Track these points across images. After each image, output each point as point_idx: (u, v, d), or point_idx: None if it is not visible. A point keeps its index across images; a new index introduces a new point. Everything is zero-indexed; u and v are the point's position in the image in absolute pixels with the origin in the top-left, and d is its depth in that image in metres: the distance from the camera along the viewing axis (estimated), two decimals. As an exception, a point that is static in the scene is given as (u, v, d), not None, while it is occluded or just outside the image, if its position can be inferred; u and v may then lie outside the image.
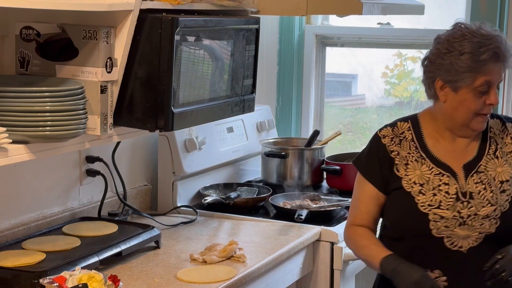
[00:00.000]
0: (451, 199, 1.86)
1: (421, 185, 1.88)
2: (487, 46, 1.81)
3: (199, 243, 2.25)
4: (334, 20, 3.23)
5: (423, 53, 3.07)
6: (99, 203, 2.37)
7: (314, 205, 2.58)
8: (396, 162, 1.92)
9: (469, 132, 1.90)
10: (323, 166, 2.88)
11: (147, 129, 1.94)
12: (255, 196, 2.70)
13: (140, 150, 2.60)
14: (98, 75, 1.82)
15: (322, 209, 2.54)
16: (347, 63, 3.37)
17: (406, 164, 1.92)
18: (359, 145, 3.28)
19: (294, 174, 2.85)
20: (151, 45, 1.89)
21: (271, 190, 2.72)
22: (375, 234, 1.98)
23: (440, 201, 1.86)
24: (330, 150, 3.12)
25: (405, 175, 1.91)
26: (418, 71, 3.17)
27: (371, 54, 3.25)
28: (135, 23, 1.85)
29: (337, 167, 2.81)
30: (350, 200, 2.54)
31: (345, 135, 3.31)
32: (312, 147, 2.91)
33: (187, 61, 2.03)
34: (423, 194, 1.87)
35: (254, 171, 3.00)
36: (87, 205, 2.36)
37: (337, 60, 3.35)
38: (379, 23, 3.14)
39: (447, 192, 1.87)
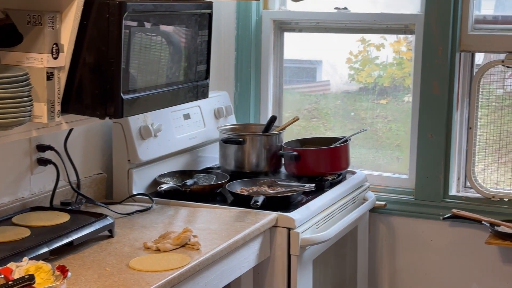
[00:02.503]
0: None
1: None
2: None
3: (154, 231, 2.22)
4: (292, 5, 3.21)
5: (386, 39, 3.12)
6: (51, 192, 2.33)
7: (271, 191, 2.57)
8: None
9: None
10: (280, 151, 2.87)
11: (97, 116, 1.91)
12: (212, 183, 2.68)
13: (94, 138, 2.56)
14: (44, 61, 1.78)
15: (279, 195, 2.53)
16: (312, 50, 3.36)
17: None
18: (323, 131, 3.29)
19: (252, 160, 2.84)
20: (99, 31, 1.85)
21: (229, 176, 2.70)
22: None
23: None
24: (292, 136, 3.13)
25: None
26: (381, 57, 3.17)
27: (336, 41, 3.26)
28: (81, 7, 1.81)
29: (295, 153, 2.80)
30: (307, 185, 2.59)
31: (309, 121, 3.30)
32: (270, 133, 2.90)
33: (140, 47, 2.00)
34: None
35: (212, 158, 2.98)
36: (39, 194, 2.31)
37: (302, 46, 3.34)
38: (336, 8, 3.13)
39: None
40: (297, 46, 3.32)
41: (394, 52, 3.15)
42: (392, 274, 3.10)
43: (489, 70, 2.90)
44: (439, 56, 2.88)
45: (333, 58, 3.33)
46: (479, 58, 2.98)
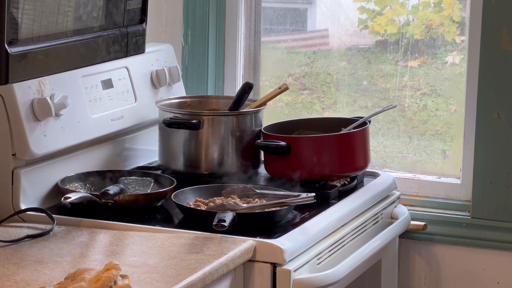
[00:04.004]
0: None
1: None
2: None
3: (56, 269, 2.20)
4: None
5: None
6: None
7: (245, 204, 2.57)
8: None
9: None
10: (259, 141, 2.88)
11: (-36, 81, 1.90)
12: (148, 191, 2.69)
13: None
14: None
15: (257, 211, 2.53)
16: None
17: None
18: (319, 109, 3.30)
19: (212, 155, 2.86)
20: None
21: (176, 181, 2.70)
22: None
23: None
24: (271, 117, 3.14)
25: None
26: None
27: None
28: None
29: (282, 143, 2.81)
30: (303, 195, 2.58)
31: (297, 94, 3.34)
32: (242, 110, 2.91)
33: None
34: None
35: (148, 151, 3.01)
36: None
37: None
38: None
39: None
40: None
41: (430, -15, 3.20)
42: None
43: None
44: (512, -11, 2.91)
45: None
46: None
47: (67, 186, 2.64)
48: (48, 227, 2.45)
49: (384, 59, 3.22)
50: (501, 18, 2.93)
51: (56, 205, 2.58)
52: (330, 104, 3.32)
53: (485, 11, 2.95)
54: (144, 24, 2.33)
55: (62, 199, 2.50)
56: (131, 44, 2.30)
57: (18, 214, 2.53)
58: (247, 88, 2.92)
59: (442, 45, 3.18)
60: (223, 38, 3.25)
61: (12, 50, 1.91)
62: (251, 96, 2.99)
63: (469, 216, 3.04)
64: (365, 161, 2.89)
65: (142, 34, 2.33)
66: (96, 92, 2.78)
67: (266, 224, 2.50)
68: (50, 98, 2.58)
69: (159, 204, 2.63)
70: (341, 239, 2.63)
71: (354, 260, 2.60)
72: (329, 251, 2.57)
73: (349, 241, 2.67)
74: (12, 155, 2.53)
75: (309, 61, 3.38)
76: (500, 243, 3.00)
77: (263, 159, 2.93)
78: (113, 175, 2.75)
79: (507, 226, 2.98)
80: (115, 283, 2.07)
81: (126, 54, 2.31)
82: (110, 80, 2.84)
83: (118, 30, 2.25)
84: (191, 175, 2.83)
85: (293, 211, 2.59)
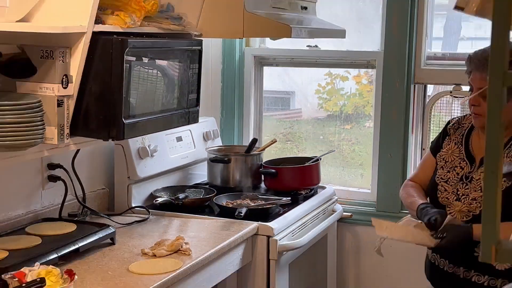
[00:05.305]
0: (456, 179, 2.08)
1: (446, 161, 2.14)
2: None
3: (150, 239, 2.20)
4: (270, 43, 3.23)
5: (350, 73, 3.15)
6: (60, 205, 2.29)
7: (253, 204, 2.56)
8: (446, 137, 2.19)
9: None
10: (261, 169, 2.86)
11: (101, 138, 1.90)
12: (201, 196, 2.66)
13: (98, 157, 2.54)
14: (55, 90, 1.76)
15: (259, 207, 2.52)
16: (286, 82, 3.37)
17: (449, 143, 2.16)
18: (296, 152, 3.29)
19: (236, 177, 2.83)
20: (104, 64, 1.84)
21: (216, 191, 2.68)
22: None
23: (449, 178, 2.10)
24: (270, 156, 3.12)
25: (442, 149, 2.17)
26: (346, 88, 3.18)
27: (307, 74, 3.28)
28: (88, 44, 1.80)
29: (273, 170, 2.80)
30: (284, 199, 2.59)
31: (284, 144, 3.31)
32: (251, 153, 2.89)
33: (139, 78, 1.99)
34: (442, 169, 2.13)
35: (201, 175, 2.97)
36: (49, 207, 2.28)
37: (278, 79, 3.36)
38: (308, 46, 3.15)
39: (457, 173, 2.09)
40: (274, 78, 3.33)
41: (357, 84, 3.17)
42: (357, 275, 3.08)
43: (439, 99, 2.92)
44: (397, 87, 2.90)
45: (305, 89, 3.35)
46: (430, 89, 3.00)
47: (157, 194, 2.62)
48: (146, 216, 2.45)
49: (332, 124, 3.22)
50: (391, 103, 2.92)
51: (151, 204, 2.56)
52: (302, 149, 3.30)
53: (382, 99, 2.95)
54: (198, 107, 2.33)
55: (154, 201, 2.51)
56: (190, 118, 2.29)
57: (130, 209, 2.52)
58: (254, 141, 2.92)
59: (363, 117, 3.18)
60: (242, 114, 3.25)
61: (126, 121, 1.91)
62: (257, 145, 2.98)
63: (375, 210, 3.01)
64: (318, 180, 2.87)
65: (197, 112, 2.32)
66: (172, 143, 2.77)
67: (264, 215, 2.48)
68: (148, 146, 2.59)
69: (207, 204, 2.61)
70: (305, 222, 2.61)
71: (312, 234, 2.58)
72: (299, 229, 2.55)
73: (309, 224, 2.65)
74: (128, 177, 2.53)
75: (290, 126, 3.37)
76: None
77: (263, 179, 2.90)
78: (182, 188, 2.73)
79: (395, 215, 2.91)
80: (181, 246, 2.07)
81: (188, 122, 2.31)
82: (180, 136, 2.83)
83: (183, 110, 2.25)
84: (224, 188, 2.80)
85: (279, 207, 2.58)
